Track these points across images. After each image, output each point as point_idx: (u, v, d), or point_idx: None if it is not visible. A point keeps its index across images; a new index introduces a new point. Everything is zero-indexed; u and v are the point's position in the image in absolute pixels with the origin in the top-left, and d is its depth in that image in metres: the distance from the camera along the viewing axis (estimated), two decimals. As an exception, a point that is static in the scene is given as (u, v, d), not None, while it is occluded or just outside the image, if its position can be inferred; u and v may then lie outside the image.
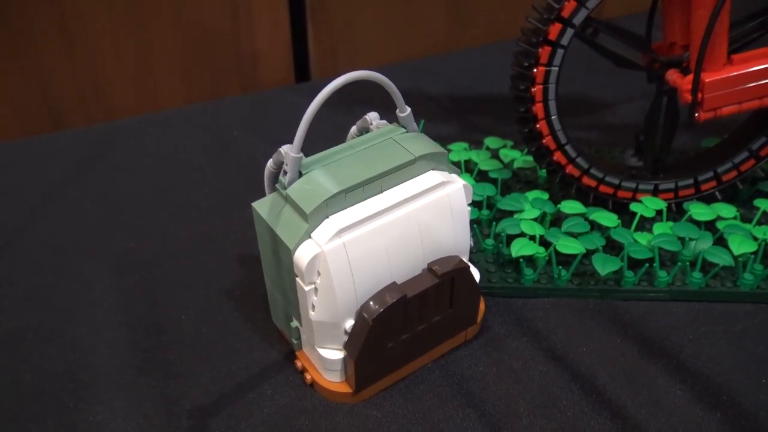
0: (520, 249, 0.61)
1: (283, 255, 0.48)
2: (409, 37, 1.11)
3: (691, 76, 0.60)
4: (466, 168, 0.75)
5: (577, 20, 0.60)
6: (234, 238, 0.70)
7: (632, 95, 0.93)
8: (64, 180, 0.79)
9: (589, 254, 0.62)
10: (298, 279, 0.47)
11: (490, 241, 0.65)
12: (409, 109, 0.51)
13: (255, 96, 0.99)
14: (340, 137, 0.64)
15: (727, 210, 0.67)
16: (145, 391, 0.54)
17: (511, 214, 0.67)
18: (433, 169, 0.51)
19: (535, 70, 0.62)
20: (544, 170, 0.69)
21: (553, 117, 0.64)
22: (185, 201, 0.76)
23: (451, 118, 0.91)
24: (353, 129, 0.55)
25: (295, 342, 0.53)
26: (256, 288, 0.63)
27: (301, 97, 0.99)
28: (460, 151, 0.77)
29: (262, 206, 0.49)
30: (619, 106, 0.92)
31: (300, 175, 0.48)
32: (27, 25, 0.87)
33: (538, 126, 0.64)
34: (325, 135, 0.69)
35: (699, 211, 0.66)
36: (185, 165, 0.82)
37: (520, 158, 0.76)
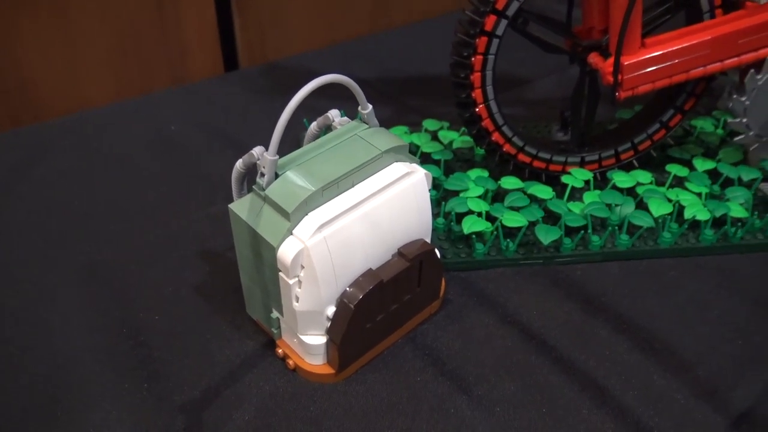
0: (471, 226, 0.67)
1: (265, 252, 0.50)
2: (334, 21, 1.13)
3: (611, 59, 0.66)
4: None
5: (510, 11, 0.65)
6: (194, 234, 0.71)
7: (547, 70, 1.00)
8: (2, 189, 0.77)
9: (531, 226, 0.68)
10: (281, 273, 0.50)
11: (440, 220, 0.70)
12: (371, 106, 0.54)
13: (187, 88, 0.99)
14: (292, 131, 0.66)
15: (644, 176, 0.75)
16: (133, 394, 0.55)
17: (456, 193, 0.72)
18: (396, 161, 0.55)
19: (473, 59, 0.66)
20: (483, 149, 0.75)
21: (490, 101, 0.69)
22: (138, 201, 0.76)
23: (386, 101, 0.95)
24: (313, 125, 0.58)
25: (275, 331, 0.56)
26: (224, 282, 0.65)
27: (233, 87, 1.00)
28: (401, 135, 0.81)
29: (240, 207, 0.51)
30: (536, 81, 0.99)
31: (276, 176, 0.50)
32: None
33: (477, 110, 0.69)
34: (284, 134, 0.71)
35: (621, 178, 0.74)
36: (130, 163, 0.82)
37: (458, 139, 0.81)
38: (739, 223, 0.70)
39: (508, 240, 0.68)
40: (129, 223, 0.73)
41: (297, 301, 0.51)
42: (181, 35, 1.00)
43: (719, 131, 0.83)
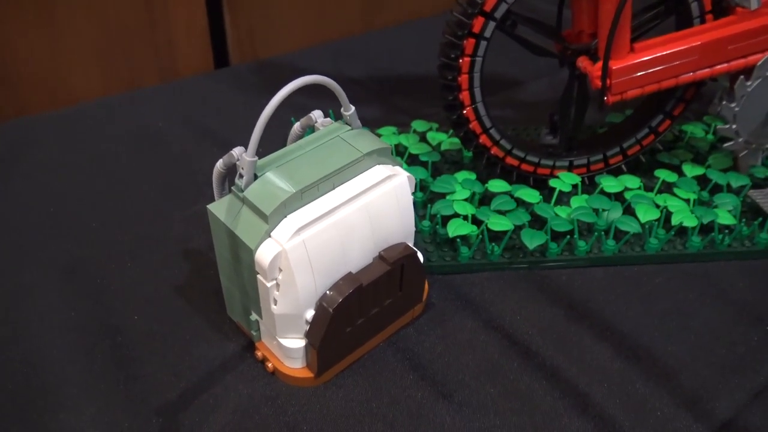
0: (456, 229, 0.66)
1: (243, 254, 0.50)
2: (325, 19, 1.12)
3: (600, 64, 0.66)
4: (396, 152, 0.79)
5: (498, 13, 0.64)
6: (177, 233, 0.70)
7: (539, 72, 0.99)
8: (-16, 183, 0.76)
9: (517, 230, 0.68)
10: (259, 276, 0.50)
11: (426, 223, 0.69)
12: (353, 108, 0.54)
13: (175, 85, 0.98)
14: (281, 130, 0.66)
15: (632, 181, 0.74)
16: (109, 394, 0.55)
17: (443, 195, 0.71)
18: (378, 164, 0.54)
19: (461, 60, 0.66)
20: (470, 152, 0.74)
21: (478, 103, 0.69)
22: (121, 198, 0.75)
23: (375, 101, 0.94)
24: (297, 126, 0.57)
25: (254, 333, 0.56)
26: (205, 283, 0.64)
27: (222, 84, 0.99)
28: (390, 135, 0.81)
29: (218, 208, 0.51)
30: (528, 83, 0.98)
31: (255, 177, 0.50)
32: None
33: (465, 112, 0.69)
34: (272, 131, 0.70)
35: (609, 183, 0.73)
36: (114, 160, 0.81)
37: (446, 140, 0.80)
38: (726, 230, 0.69)
39: (494, 244, 0.67)
40: (110, 221, 0.72)
41: (275, 304, 0.50)
42: (170, 30, 0.99)
43: (709, 137, 0.83)
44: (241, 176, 0.49)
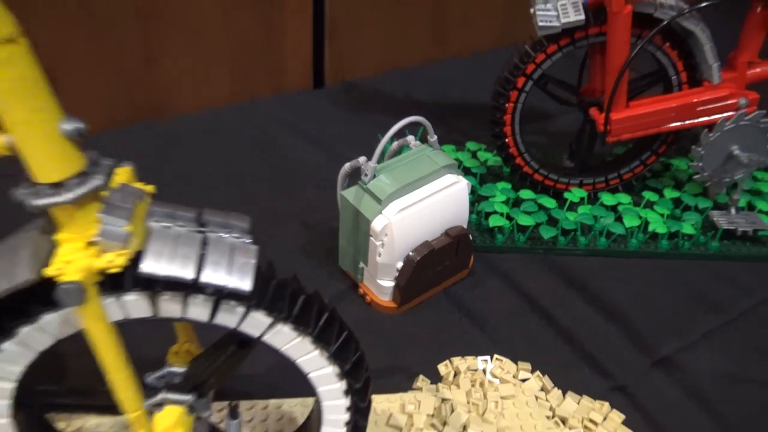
0: (495, 221, 0.95)
1: (362, 224, 0.80)
2: (399, 49, 1.42)
3: (604, 114, 0.94)
4: (454, 164, 1.08)
5: (535, 75, 0.93)
6: (293, 210, 1.00)
7: (564, 110, 1.26)
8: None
9: (537, 225, 0.96)
10: (371, 238, 0.79)
11: (474, 216, 0.99)
12: (436, 137, 0.83)
13: (283, 97, 1.29)
14: (370, 143, 0.95)
15: (625, 198, 1.02)
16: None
17: (487, 198, 1.00)
18: (448, 173, 0.83)
19: (506, 105, 0.95)
20: (509, 168, 1.03)
21: (516, 134, 0.98)
22: (248, 183, 1.06)
23: (438, 123, 1.23)
24: (395, 144, 0.87)
25: (359, 277, 0.86)
26: (319, 245, 0.94)
27: (320, 100, 1.29)
28: (450, 151, 1.10)
29: (348, 193, 0.81)
30: (555, 119, 1.26)
31: (374, 176, 0.79)
32: (113, 35, 1.14)
33: (507, 140, 0.98)
34: (359, 141, 1.01)
35: (607, 198, 1.02)
36: (240, 154, 1.12)
37: (491, 158, 1.10)
38: (686, 237, 0.97)
39: (520, 234, 0.96)
40: (246, 199, 1.02)
41: (379, 257, 0.80)
42: (283, 52, 1.29)
43: (690, 170, 1.10)
44: (365, 175, 0.79)
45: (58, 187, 0.38)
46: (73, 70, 1.12)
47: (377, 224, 0.78)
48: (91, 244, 0.40)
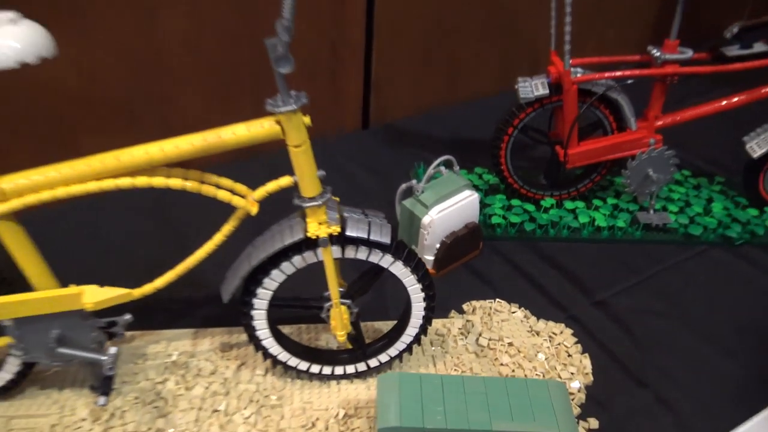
0: (495, 220, 1.47)
1: (415, 221, 1.31)
2: (422, 95, 1.95)
3: (563, 150, 1.46)
4: (466, 182, 1.61)
5: (519, 126, 1.45)
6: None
7: (542, 145, 1.80)
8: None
9: (522, 222, 1.48)
10: (422, 229, 1.31)
11: (481, 216, 1.51)
12: (458, 166, 1.35)
13: (343, 136, 1.81)
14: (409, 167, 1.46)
15: (580, 203, 1.55)
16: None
17: (489, 205, 1.53)
18: (466, 189, 1.35)
19: (501, 144, 1.47)
20: (503, 185, 1.55)
21: (508, 162, 1.50)
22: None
23: (454, 154, 1.75)
24: (431, 170, 1.39)
25: (411, 255, 1.37)
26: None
27: (368, 139, 1.82)
28: (464, 175, 1.62)
29: (407, 202, 1.33)
30: (536, 150, 1.78)
31: (423, 191, 1.31)
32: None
33: (502, 167, 1.50)
34: (396, 171, 1.53)
35: (568, 204, 1.54)
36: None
37: (492, 179, 1.62)
38: (620, 229, 1.50)
39: (512, 228, 1.48)
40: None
41: (426, 241, 1.32)
42: (343, 103, 1.82)
43: (623, 186, 1.63)
44: (417, 191, 1.31)
45: (312, 199, 0.90)
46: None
47: (425, 220, 1.30)
48: (321, 223, 0.92)
